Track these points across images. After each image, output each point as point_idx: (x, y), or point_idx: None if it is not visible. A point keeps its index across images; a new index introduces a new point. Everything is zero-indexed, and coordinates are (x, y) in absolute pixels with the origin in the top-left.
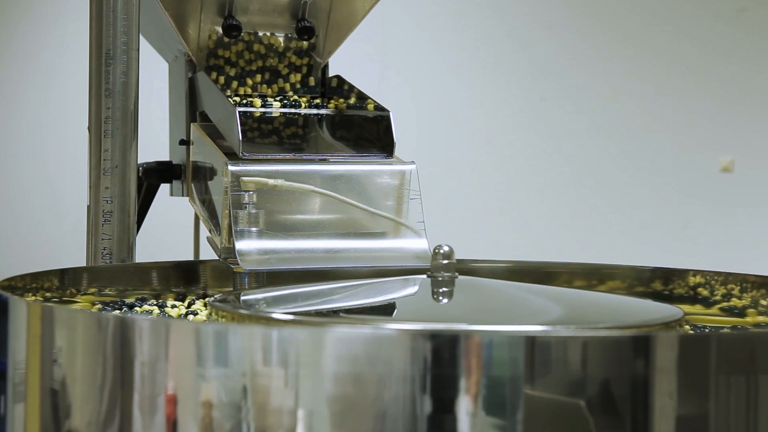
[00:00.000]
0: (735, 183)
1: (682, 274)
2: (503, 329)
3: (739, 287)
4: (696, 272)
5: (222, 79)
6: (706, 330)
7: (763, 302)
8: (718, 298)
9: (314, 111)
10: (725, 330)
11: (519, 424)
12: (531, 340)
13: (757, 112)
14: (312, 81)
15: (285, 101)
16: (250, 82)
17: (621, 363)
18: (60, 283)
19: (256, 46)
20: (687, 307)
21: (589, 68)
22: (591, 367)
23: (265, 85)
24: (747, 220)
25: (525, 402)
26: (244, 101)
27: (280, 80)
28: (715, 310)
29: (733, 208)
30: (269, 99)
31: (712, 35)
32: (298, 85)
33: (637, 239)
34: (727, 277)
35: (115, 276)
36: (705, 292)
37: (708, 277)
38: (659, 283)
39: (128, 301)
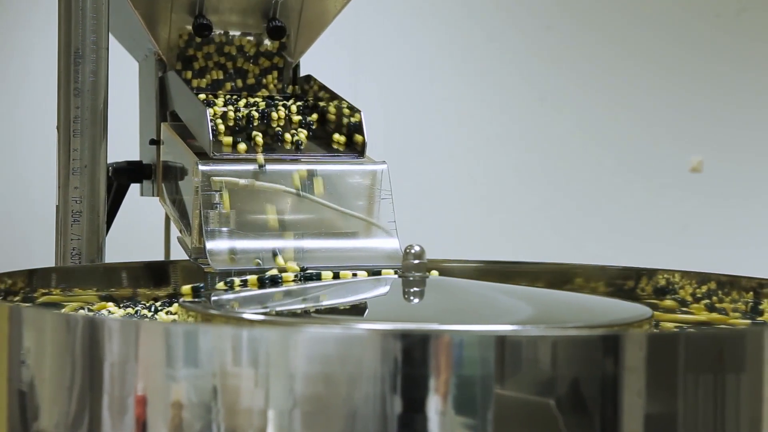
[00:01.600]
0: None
1: (651, 273)
2: (474, 329)
3: (710, 286)
4: (666, 272)
5: (192, 77)
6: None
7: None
8: (688, 297)
9: (285, 111)
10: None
11: (489, 423)
12: (501, 340)
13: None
14: (283, 81)
15: (256, 101)
16: (219, 81)
17: (590, 362)
18: (28, 284)
19: (226, 47)
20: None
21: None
22: (561, 366)
23: (235, 85)
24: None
25: (495, 401)
26: (215, 100)
27: (251, 80)
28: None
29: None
30: (240, 98)
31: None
32: (270, 85)
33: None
34: (697, 277)
35: (84, 276)
36: (678, 290)
37: (679, 277)
38: (630, 282)
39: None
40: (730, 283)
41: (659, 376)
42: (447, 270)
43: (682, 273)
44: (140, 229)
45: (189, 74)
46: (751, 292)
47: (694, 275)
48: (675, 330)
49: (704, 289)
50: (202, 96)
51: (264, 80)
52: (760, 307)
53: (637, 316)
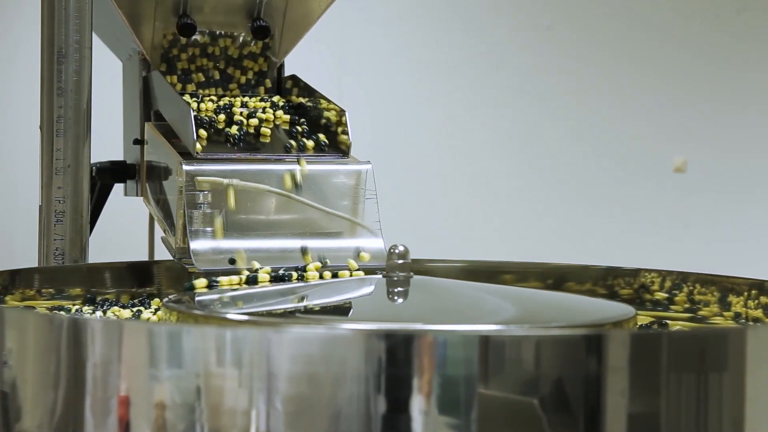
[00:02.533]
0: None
1: (635, 273)
2: (457, 329)
3: (691, 286)
4: (649, 271)
5: (176, 78)
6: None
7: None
8: (665, 295)
9: (269, 110)
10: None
11: (473, 423)
12: (485, 340)
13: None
14: (267, 81)
15: (240, 100)
16: (204, 80)
17: (574, 362)
18: (11, 284)
19: (210, 46)
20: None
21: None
22: (544, 365)
23: (220, 85)
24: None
25: (479, 401)
26: (198, 100)
27: (235, 79)
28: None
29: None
30: (224, 98)
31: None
32: (254, 84)
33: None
34: (679, 276)
35: (68, 277)
36: (658, 291)
37: (661, 276)
38: (613, 282)
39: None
40: (710, 282)
41: (642, 376)
42: (431, 270)
43: (665, 272)
44: (124, 230)
45: (173, 76)
46: (713, 286)
47: (676, 274)
48: (658, 330)
49: (667, 283)
50: (186, 96)
51: (248, 80)
52: (728, 299)
53: (620, 315)
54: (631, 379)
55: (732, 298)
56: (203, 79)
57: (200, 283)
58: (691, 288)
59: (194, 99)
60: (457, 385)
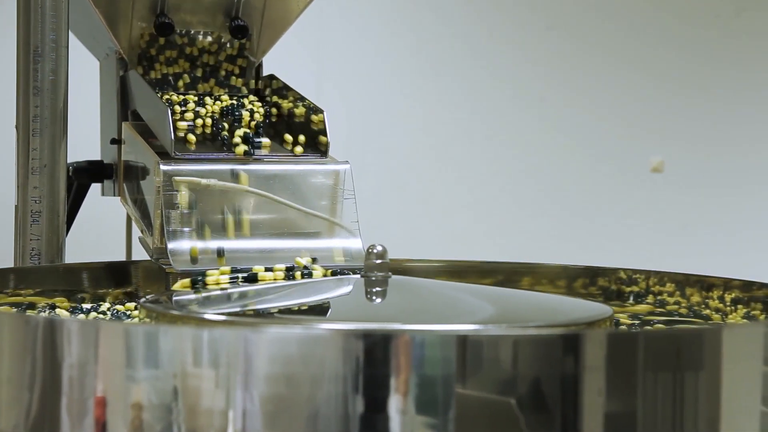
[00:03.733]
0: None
1: (613, 272)
2: (435, 328)
3: (673, 285)
4: (627, 270)
5: (154, 78)
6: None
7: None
8: (649, 296)
9: (247, 110)
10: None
11: (451, 422)
12: (462, 340)
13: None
14: (246, 80)
15: (218, 100)
16: (183, 80)
17: (551, 361)
18: None
19: (188, 47)
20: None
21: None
22: (522, 365)
23: (198, 84)
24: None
25: (457, 401)
26: (177, 100)
27: (213, 79)
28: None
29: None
30: (202, 98)
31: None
32: (232, 84)
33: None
34: (658, 275)
35: (44, 277)
36: (633, 289)
37: (640, 276)
38: (592, 281)
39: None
40: (692, 282)
41: (619, 375)
42: (409, 270)
43: (645, 272)
44: (101, 230)
45: (151, 73)
46: (671, 284)
47: (654, 273)
48: (635, 329)
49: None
50: (169, 95)
51: (226, 80)
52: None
53: (598, 315)
54: (608, 379)
55: (694, 293)
56: (180, 78)
57: (211, 279)
58: (654, 283)
59: (173, 96)
60: (434, 385)
